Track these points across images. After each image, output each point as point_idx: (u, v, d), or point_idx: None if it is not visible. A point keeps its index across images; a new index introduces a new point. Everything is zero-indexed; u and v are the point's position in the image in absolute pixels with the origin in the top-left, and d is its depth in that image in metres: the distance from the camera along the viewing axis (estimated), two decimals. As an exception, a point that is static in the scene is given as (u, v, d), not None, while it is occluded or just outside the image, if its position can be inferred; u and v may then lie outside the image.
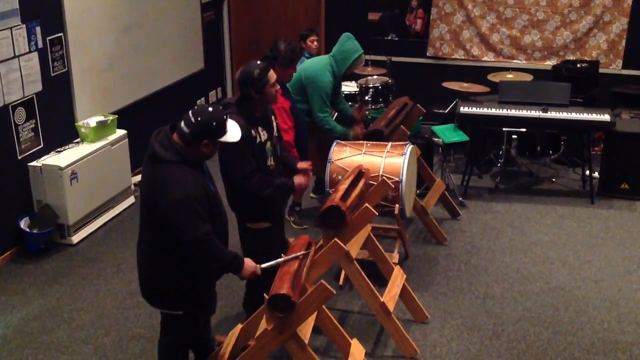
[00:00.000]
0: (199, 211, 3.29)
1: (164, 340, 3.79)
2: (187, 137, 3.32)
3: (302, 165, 4.45)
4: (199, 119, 3.32)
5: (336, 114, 6.26)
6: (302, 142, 5.33)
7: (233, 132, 3.46)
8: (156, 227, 3.39)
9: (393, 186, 4.68)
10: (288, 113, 5.19)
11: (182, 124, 3.34)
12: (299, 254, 3.71)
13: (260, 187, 4.01)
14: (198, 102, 8.16)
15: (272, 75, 4.03)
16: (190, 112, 3.37)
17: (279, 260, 3.67)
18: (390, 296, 4.35)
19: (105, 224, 6.09)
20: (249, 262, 3.57)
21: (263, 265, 3.63)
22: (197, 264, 3.41)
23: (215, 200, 3.46)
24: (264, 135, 4.07)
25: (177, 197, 3.25)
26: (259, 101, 4.01)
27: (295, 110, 5.34)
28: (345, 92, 6.85)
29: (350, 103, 6.79)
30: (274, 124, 4.26)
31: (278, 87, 4.12)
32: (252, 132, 3.98)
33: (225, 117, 3.42)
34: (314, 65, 5.73)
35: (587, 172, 6.68)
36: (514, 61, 8.04)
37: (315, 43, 6.58)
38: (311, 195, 6.58)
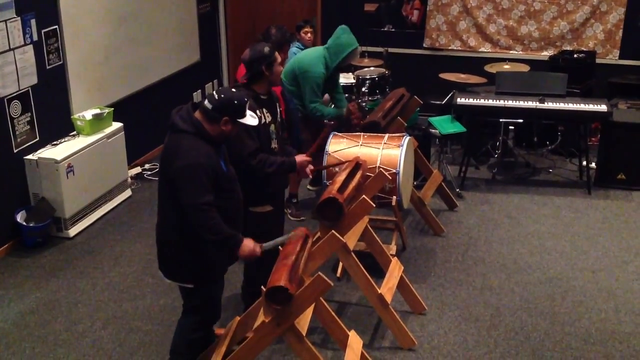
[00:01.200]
0: (204, 180, 3.44)
1: (182, 320, 3.89)
2: (209, 113, 3.52)
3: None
4: (222, 96, 3.54)
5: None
6: (293, 128, 5.37)
7: (252, 117, 3.65)
8: (167, 194, 3.55)
9: (390, 178, 4.68)
10: (280, 98, 5.23)
11: (206, 101, 3.54)
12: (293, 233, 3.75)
13: (263, 165, 4.11)
14: (194, 94, 8.15)
15: (278, 55, 4.19)
16: (214, 90, 3.60)
17: (279, 239, 3.71)
18: (387, 288, 4.35)
19: (102, 217, 6.08)
20: (248, 242, 3.63)
21: (265, 246, 3.70)
22: (196, 231, 3.50)
23: (225, 178, 3.59)
24: (268, 117, 4.19)
25: (185, 162, 3.43)
26: (267, 78, 4.16)
27: (286, 96, 5.38)
28: (342, 84, 6.83)
29: (347, 95, 6.78)
30: (278, 109, 4.34)
31: (282, 68, 4.26)
32: (257, 112, 4.07)
33: (246, 100, 3.61)
34: (307, 57, 5.75)
35: (584, 163, 6.69)
36: (511, 52, 8.03)
37: (310, 35, 6.54)
38: (308, 187, 6.57)
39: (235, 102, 3.54)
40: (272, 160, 4.14)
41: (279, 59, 4.19)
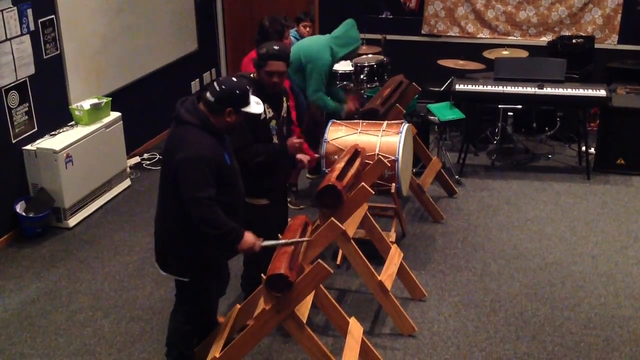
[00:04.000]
0: (207, 174, 3.40)
1: (176, 310, 3.87)
2: (212, 105, 3.46)
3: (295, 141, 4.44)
4: (223, 87, 3.46)
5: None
6: (301, 122, 5.35)
7: (256, 104, 3.57)
8: (168, 185, 3.50)
9: (389, 165, 4.67)
10: (289, 92, 5.18)
11: (208, 93, 3.47)
12: (301, 239, 3.70)
13: (252, 155, 4.08)
14: (192, 83, 8.13)
15: (273, 65, 4.01)
16: (214, 81, 3.51)
17: (280, 241, 3.66)
18: (387, 275, 4.35)
19: (101, 207, 6.08)
20: (248, 236, 3.60)
21: (264, 243, 3.64)
22: (196, 225, 3.47)
23: (228, 172, 3.55)
24: (269, 113, 4.13)
25: (189, 154, 3.38)
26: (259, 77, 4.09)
27: (295, 90, 5.34)
28: (340, 71, 6.82)
29: (345, 82, 6.77)
30: (285, 104, 4.29)
31: (276, 79, 4.06)
32: None
33: (248, 87, 3.53)
34: (313, 45, 5.69)
35: (583, 148, 6.68)
36: (509, 38, 8.00)
37: (308, 29, 6.49)
38: (307, 175, 6.57)
39: (238, 91, 3.47)
40: (260, 149, 4.09)
41: (269, 68, 4.00)
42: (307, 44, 5.74)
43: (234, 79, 3.55)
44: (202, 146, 3.40)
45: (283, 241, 3.65)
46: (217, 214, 3.44)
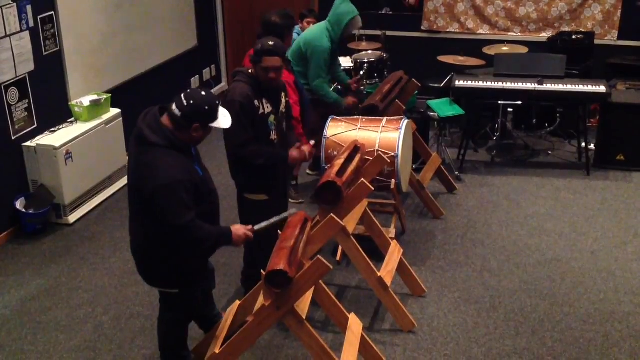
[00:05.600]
0: (184, 198, 3.27)
1: (163, 317, 3.83)
2: (178, 120, 3.29)
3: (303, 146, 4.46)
4: (191, 102, 3.28)
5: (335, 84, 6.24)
6: (306, 118, 5.33)
7: (224, 118, 3.43)
8: (143, 209, 3.39)
9: (389, 161, 4.67)
10: (293, 87, 5.19)
11: (174, 106, 3.30)
12: (289, 213, 3.74)
13: (253, 156, 4.07)
14: (192, 79, 8.12)
15: (269, 61, 3.98)
16: (182, 95, 3.33)
17: (271, 220, 3.66)
18: (387, 271, 4.36)
19: (101, 203, 6.08)
20: (237, 230, 3.56)
21: (256, 227, 3.64)
22: (183, 246, 3.42)
23: (203, 182, 3.46)
24: (267, 108, 4.11)
25: (163, 182, 3.23)
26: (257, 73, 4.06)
27: (299, 86, 5.33)
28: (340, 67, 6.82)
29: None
30: (283, 100, 4.27)
31: (273, 75, 4.02)
32: (256, 102, 4.03)
33: (217, 102, 3.38)
34: (311, 33, 5.78)
35: (583, 144, 6.68)
36: (509, 34, 7.99)
37: (312, 26, 6.50)
38: (308, 171, 6.57)
39: (206, 107, 3.28)
40: (262, 152, 4.09)
41: (267, 63, 3.96)
42: (306, 33, 5.84)
43: (203, 92, 3.35)
44: (174, 170, 3.24)
45: (273, 219, 3.66)
46: (202, 230, 3.37)
